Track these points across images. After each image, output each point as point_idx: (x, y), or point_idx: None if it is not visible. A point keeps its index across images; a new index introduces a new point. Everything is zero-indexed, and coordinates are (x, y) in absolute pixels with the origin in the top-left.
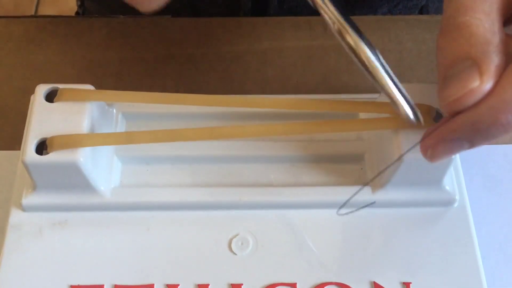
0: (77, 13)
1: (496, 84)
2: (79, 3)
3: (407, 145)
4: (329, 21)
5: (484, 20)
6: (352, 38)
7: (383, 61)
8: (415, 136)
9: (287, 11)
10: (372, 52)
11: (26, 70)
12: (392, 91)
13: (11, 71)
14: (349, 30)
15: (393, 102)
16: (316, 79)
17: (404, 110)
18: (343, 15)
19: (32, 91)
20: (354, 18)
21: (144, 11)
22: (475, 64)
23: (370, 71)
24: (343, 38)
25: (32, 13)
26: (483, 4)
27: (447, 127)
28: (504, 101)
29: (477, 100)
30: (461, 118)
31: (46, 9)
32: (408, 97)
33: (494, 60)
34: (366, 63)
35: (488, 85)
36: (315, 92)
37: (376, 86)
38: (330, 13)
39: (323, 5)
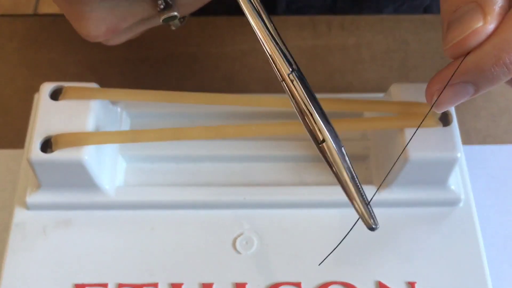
0: None
1: (500, 24)
2: None
3: (412, 144)
4: (295, 102)
5: None
6: (321, 131)
7: (347, 159)
8: (421, 135)
9: (295, 12)
10: (338, 149)
11: (29, 69)
12: (352, 192)
13: (15, 70)
14: (317, 119)
15: (351, 201)
16: (321, 78)
17: (362, 211)
18: (312, 99)
19: (35, 90)
20: (360, 17)
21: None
22: (479, 6)
23: (334, 170)
24: (309, 127)
25: (32, 11)
26: None
27: (451, 69)
28: (507, 40)
29: (481, 40)
30: (465, 60)
31: (46, 7)
32: (366, 198)
33: (497, 1)
34: (331, 159)
35: (491, 25)
36: (319, 91)
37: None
38: (298, 94)
39: (292, 86)
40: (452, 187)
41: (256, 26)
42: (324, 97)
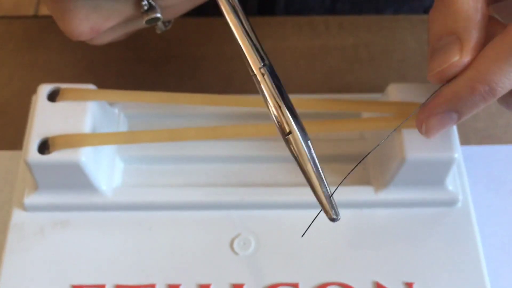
0: None
1: (475, 58)
2: None
3: (410, 145)
4: (265, 95)
5: None
6: (288, 124)
7: (313, 152)
8: (418, 136)
9: (293, 13)
10: (304, 142)
11: (27, 70)
12: (315, 184)
13: (12, 71)
14: (285, 112)
15: (314, 192)
16: (319, 79)
17: (323, 202)
18: (281, 92)
19: (33, 91)
20: (358, 17)
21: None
22: (458, 39)
23: (299, 162)
24: (278, 122)
25: (32, 13)
26: None
27: (434, 100)
28: (480, 72)
29: (457, 72)
30: (445, 90)
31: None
32: (329, 190)
33: (474, 37)
34: (296, 151)
35: (466, 59)
36: (317, 92)
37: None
38: (268, 88)
39: (262, 80)
40: (450, 187)
41: (231, 22)
42: (322, 98)
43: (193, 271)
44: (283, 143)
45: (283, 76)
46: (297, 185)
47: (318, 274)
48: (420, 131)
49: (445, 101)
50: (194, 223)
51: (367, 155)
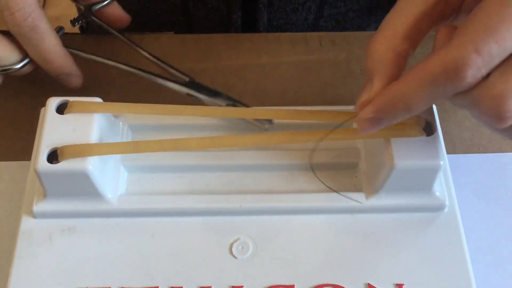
0: (81, 27)
1: (404, 78)
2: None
3: (398, 153)
4: None
5: (387, 37)
6: None
7: None
8: (406, 145)
9: (276, 28)
10: None
11: (34, 84)
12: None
13: (20, 86)
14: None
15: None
16: (313, 91)
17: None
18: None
19: (40, 105)
20: (349, 33)
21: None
22: (371, 79)
23: None
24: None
25: None
26: (394, 20)
27: (369, 105)
28: (401, 92)
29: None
30: (377, 98)
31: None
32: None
33: (384, 76)
34: None
35: (371, 97)
36: (312, 104)
37: None
38: None
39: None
40: (437, 193)
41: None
42: (316, 109)
43: (194, 274)
44: (280, 152)
45: (279, 89)
46: (292, 192)
47: (313, 276)
48: (358, 129)
49: (374, 110)
50: (195, 229)
51: (323, 139)
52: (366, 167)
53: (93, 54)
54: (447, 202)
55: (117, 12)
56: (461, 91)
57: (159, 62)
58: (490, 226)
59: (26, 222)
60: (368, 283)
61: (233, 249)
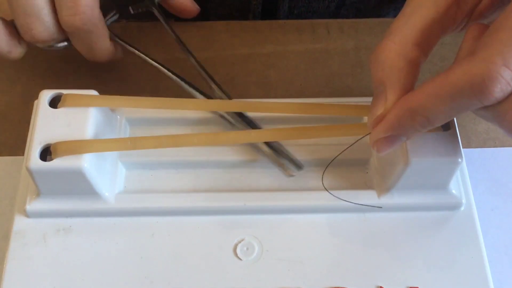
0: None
1: (420, 88)
2: None
3: (413, 149)
4: None
5: (397, 44)
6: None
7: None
8: (421, 140)
9: (296, 16)
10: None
11: (28, 75)
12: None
13: (14, 76)
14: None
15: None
16: (320, 82)
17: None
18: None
19: (34, 97)
20: (359, 20)
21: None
22: (385, 90)
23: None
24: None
25: None
26: (403, 26)
27: (381, 124)
28: (420, 105)
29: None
30: (390, 115)
31: None
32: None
33: (397, 86)
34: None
35: (387, 110)
36: (318, 95)
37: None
38: None
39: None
40: (453, 191)
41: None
42: (323, 102)
43: (196, 277)
44: (286, 148)
45: (284, 79)
46: (300, 189)
47: (322, 279)
48: (373, 149)
49: (390, 126)
50: (197, 229)
51: (334, 158)
52: (378, 163)
53: (133, 47)
54: (463, 200)
55: (186, 2)
56: (486, 105)
57: (202, 72)
58: (507, 223)
59: (19, 222)
60: (380, 286)
61: (238, 250)
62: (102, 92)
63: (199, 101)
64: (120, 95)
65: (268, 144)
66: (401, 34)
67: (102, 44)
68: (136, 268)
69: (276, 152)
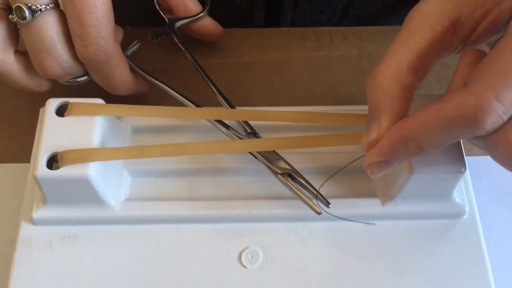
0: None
1: (414, 116)
2: None
3: (417, 158)
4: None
5: (392, 69)
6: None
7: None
8: None
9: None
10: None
11: None
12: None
13: None
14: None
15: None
16: (323, 89)
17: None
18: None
19: (41, 105)
20: (361, 28)
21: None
22: (378, 115)
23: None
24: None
25: None
26: (398, 51)
27: (375, 148)
28: (414, 132)
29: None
30: (383, 141)
31: None
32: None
33: (392, 111)
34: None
35: (380, 135)
36: (322, 102)
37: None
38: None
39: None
40: (457, 199)
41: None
42: (326, 110)
43: (201, 284)
44: (290, 156)
45: (288, 86)
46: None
47: (326, 287)
48: (366, 171)
49: (383, 152)
50: (202, 236)
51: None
52: None
53: (152, 76)
54: (467, 209)
55: (209, 25)
56: (478, 136)
57: (222, 100)
58: (510, 231)
59: (26, 229)
60: None
61: (243, 258)
62: (108, 100)
63: (203, 109)
64: (126, 103)
65: (292, 178)
66: (397, 58)
67: (120, 75)
68: (141, 276)
69: (302, 189)
